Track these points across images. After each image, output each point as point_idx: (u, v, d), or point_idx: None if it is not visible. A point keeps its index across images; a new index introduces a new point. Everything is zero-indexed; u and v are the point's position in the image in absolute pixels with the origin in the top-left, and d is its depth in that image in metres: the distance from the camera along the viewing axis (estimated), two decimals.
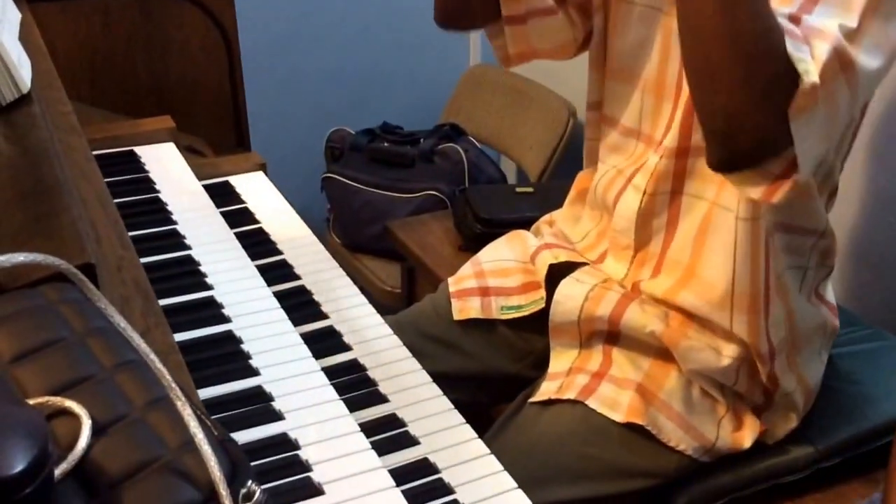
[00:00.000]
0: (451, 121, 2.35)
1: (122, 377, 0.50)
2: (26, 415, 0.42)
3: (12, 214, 0.72)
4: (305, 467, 0.86)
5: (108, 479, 0.44)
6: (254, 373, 0.98)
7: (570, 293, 1.16)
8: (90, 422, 0.46)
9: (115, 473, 0.44)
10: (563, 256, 1.23)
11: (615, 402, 1.10)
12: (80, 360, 0.51)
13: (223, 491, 0.43)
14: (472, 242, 1.63)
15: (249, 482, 0.44)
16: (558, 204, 1.36)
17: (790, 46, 0.83)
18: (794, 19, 0.87)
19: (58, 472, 0.44)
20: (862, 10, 0.88)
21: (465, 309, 1.27)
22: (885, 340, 1.37)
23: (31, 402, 0.48)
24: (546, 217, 1.38)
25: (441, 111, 2.49)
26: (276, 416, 0.92)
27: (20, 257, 0.45)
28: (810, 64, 0.83)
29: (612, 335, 1.16)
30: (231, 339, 1.02)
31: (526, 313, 1.24)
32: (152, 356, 0.47)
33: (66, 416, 0.47)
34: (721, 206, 1.07)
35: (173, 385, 0.46)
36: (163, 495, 0.43)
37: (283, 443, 0.89)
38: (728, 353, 1.10)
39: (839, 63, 0.86)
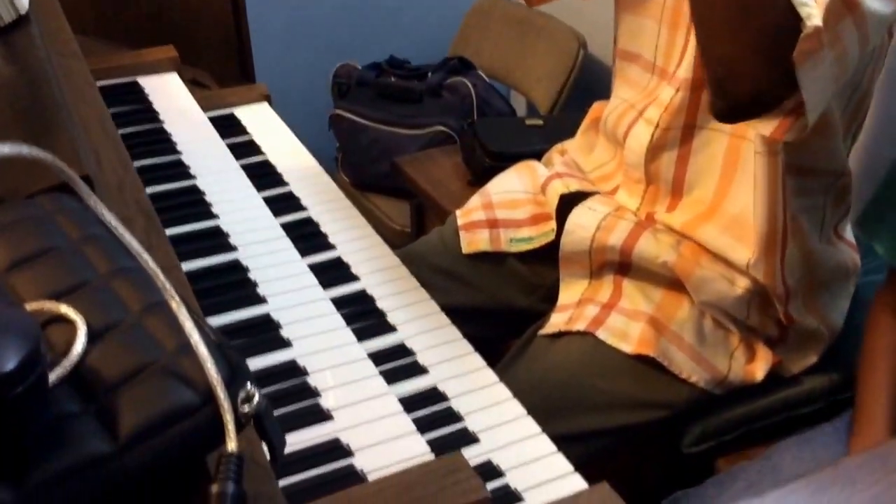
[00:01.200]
0: (459, 54, 2.30)
1: (117, 283, 0.48)
2: (17, 316, 0.41)
3: (9, 133, 0.70)
4: (314, 393, 0.86)
5: (105, 384, 0.43)
6: (260, 301, 0.97)
7: (582, 222, 1.14)
8: (85, 327, 0.45)
9: (111, 378, 0.43)
10: (575, 186, 1.21)
11: (625, 334, 1.08)
12: (76, 267, 0.49)
13: (221, 393, 0.41)
14: (482, 176, 1.60)
15: (248, 385, 0.43)
16: (569, 136, 1.33)
17: None
18: None
19: (53, 376, 0.42)
20: None
21: (474, 242, 1.25)
22: None
23: (26, 307, 0.47)
24: (558, 146, 1.35)
25: (449, 44, 2.44)
26: (284, 344, 0.91)
27: (5, 149, 0.43)
28: (813, 7, 0.81)
29: (624, 266, 1.14)
30: (237, 268, 1.01)
31: (536, 245, 1.22)
32: (145, 256, 0.45)
33: (62, 323, 0.46)
34: (746, 139, 1.04)
35: (168, 286, 0.45)
36: (160, 398, 0.42)
37: (291, 370, 0.88)
38: (741, 283, 1.08)
39: (844, 4, 0.83)
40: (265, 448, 0.46)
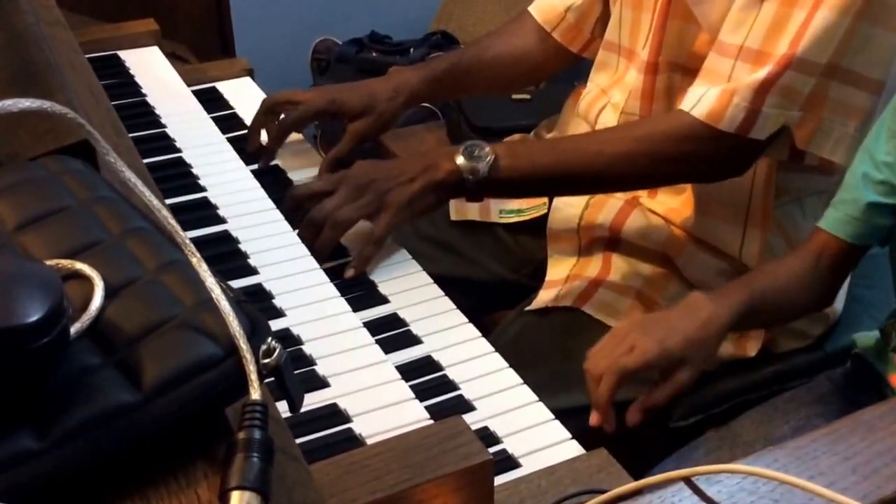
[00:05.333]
0: (442, 29, 2.29)
1: (132, 242, 0.48)
2: (39, 269, 0.41)
3: (4, 96, 0.69)
4: (309, 361, 0.85)
5: (125, 338, 0.42)
6: (252, 271, 0.96)
7: (570, 200, 1.14)
8: (102, 283, 0.44)
9: (131, 332, 0.43)
10: None
11: (614, 309, 1.08)
12: (87, 227, 0.49)
13: (244, 345, 0.41)
14: None
15: (269, 339, 0.43)
16: (556, 110, 1.33)
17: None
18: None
19: (72, 330, 0.42)
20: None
21: (463, 210, 1.24)
22: None
23: None
24: (545, 122, 1.35)
25: (431, 19, 2.43)
26: (277, 313, 0.91)
27: (26, 102, 0.43)
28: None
29: (613, 241, 1.14)
30: (228, 239, 1.01)
31: (526, 218, 1.22)
32: (165, 212, 0.45)
33: (78, 280, 0.45)
34: None
35: (187, 241, 0.44)
36: (183, 350, 0.41)
37: (286, 338, 0.88)
38: (729, 265, 1.09)
39: None
40: (285, 402, 0.46)
